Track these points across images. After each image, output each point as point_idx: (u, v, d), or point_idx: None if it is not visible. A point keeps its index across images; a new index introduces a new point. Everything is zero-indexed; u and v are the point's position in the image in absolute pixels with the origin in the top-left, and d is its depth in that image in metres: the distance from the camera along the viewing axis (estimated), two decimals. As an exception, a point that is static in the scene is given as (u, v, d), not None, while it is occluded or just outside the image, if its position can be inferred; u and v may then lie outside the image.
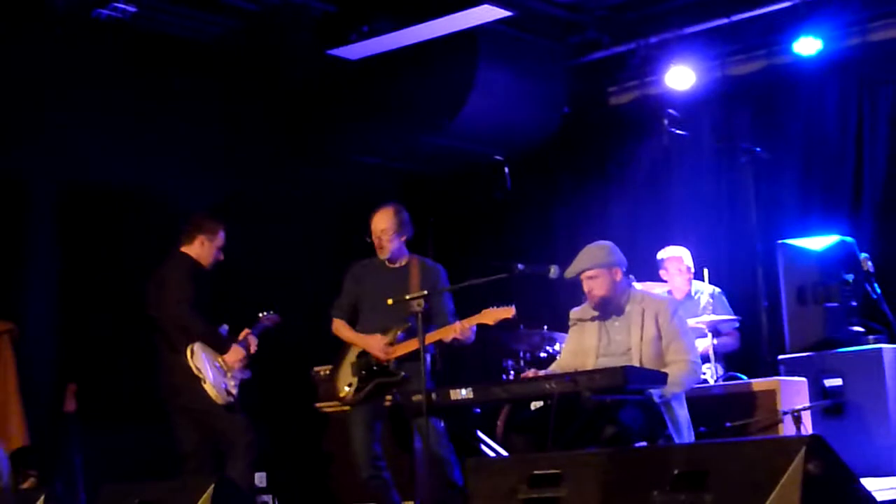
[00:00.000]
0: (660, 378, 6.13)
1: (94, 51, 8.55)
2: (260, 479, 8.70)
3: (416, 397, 6.34)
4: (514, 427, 6.47)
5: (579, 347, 6.68)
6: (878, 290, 7.80)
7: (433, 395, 6.29)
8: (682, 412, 6.35)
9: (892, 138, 8.88)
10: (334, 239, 9.78)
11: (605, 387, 5.90)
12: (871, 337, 7.52)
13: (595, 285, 6.55)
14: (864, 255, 7.82)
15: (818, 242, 7.89)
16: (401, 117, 9.70)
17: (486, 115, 9.49)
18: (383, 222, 7.23)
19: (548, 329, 8.53)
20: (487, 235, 10.47)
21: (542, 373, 6.66)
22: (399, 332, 7.09)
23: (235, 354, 7.47)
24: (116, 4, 8.07)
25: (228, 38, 9.03)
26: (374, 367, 7.10)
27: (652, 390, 6.17)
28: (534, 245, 9.92)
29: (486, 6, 8.41)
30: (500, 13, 8.55)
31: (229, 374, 7.41)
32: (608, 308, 6.60)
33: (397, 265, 7.26)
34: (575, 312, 6.82)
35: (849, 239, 7.91)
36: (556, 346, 8.37)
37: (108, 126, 8.78)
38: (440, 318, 7.10)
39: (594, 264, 6.54)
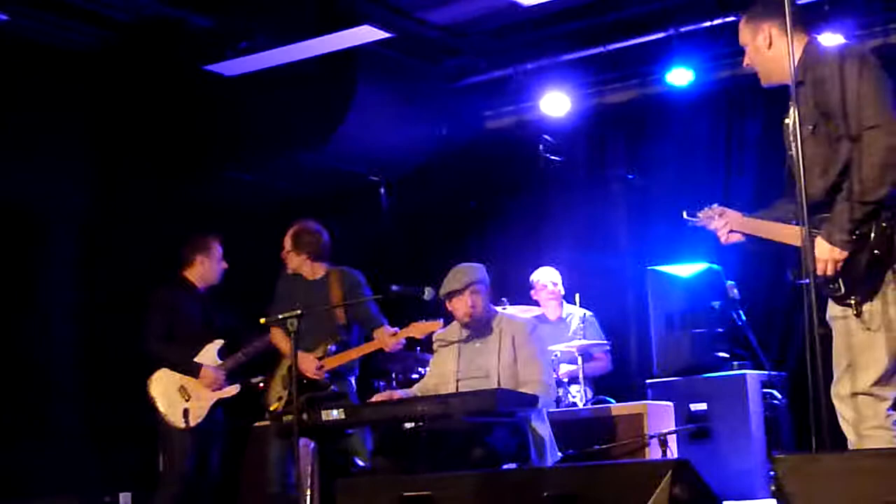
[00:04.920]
0: (529, 401, 6.18)
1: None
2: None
3: (287, 417, 6.30)
4: (384, 449, 6.46)
5: (440, 370, 6.71)
6: (744, 317, 7.97)
7: (304, 416, 6.25)
8: (546, 433, 6.41)
9: (760, 169, 9.09)
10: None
11: (476, 409, 5.93)
12: (735, 363, 7.69)
13: (466, 304, 6.57)
14: (730, 283, 8.00)
15: (686, 269, 8.05)
16: (278, 135, 9.63)
17: (363, 135, 9.48)
18: (286, 242, 7.40)
19: (421, 351, 8.54)
20: (363, 255, 10.45)
21: (398, 394, 6.70)
22: (330, 346, 7.10)
23: (206, 378, 7.64)
24: (-13, 12, 7.91)
25: (102, 49, 8.88)
26: (304, 381, 7.06)
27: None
28: (409, 266, 9.93)
29: (365, 27, 8.41)
30: (379, 34, 8.57)
31: (196, 399, 7.63)
32: (475, 329, 6.63)
33: (315, 277, 7.31)
34: (439, 335, 6.85)
35: (716, 266, 8.08)
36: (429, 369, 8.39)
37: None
38: (371, 323, 7.18)
39: (467, 283, 6.57)
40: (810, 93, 4.68)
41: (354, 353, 7.20)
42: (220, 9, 8.47)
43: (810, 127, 4.67)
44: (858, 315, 4.61)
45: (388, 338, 7.09)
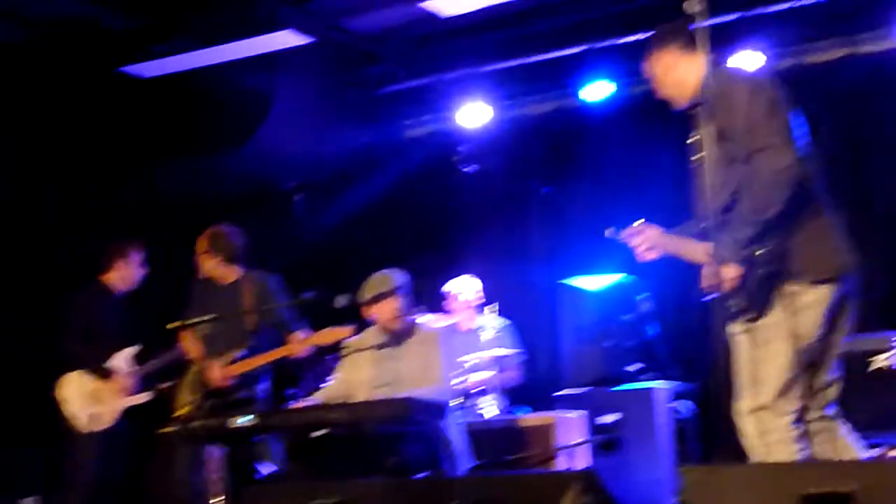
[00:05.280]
0: (441, 409, 6.20)
1: None
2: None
3: (195, 423, 6.26)
4: (294, 456, 6.44)
5: (352, 378, 6.71)
6: (654, 330, 8.06)
7: (211, 422, 6.22)
8: (458, 443, 6.43)
9: (674, 184, 9.19)
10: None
11: (388, 417, 5.94)
12: (645, 375, 7.77)
13: (392, 309, 6.59)
14: (641, 296, 8.08)
15: (599, 282, 8.13)
16: (195, 139, 9.56)
17: (281, 140, 9.44)
18: (200, 244, 7.31)
19: (334, 358, 8.51)
20: (277, 261, 10.39)
21: (308, 402, 6.70)
22: (238, 353, 7.05)
23: (118, 383, 7.65)
24: None
25: (16, 46, 8.75)
26: (213, 387, 7.01)
27: None
28: (325, 272, 9.90)
29: (286, 32, 8.40)
30: (299, 40, 8.55)
31: (107, 403, 7.60)
32: (393, 336, 6.65)
33: (228, 282, 7.25)
34: (351, 342, 6.85)
35: (628, 280, 8.16)
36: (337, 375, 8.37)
37: None
38: (285, 328, 7.15)
39: (394, 288, 6.60)
40: (709, 114, 4.78)
41: (262, 359, 7.15)
42: (139, 10, 8.39)
43: (709, 148, 4.76)
44: (754, 330, 4.72)
45: (296, 344, 7.07)
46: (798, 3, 8.31)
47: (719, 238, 4.67)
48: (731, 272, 4.67)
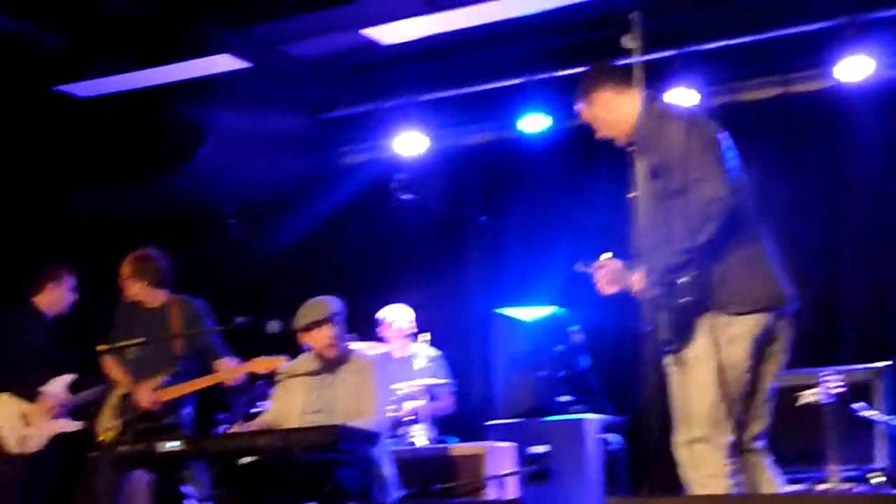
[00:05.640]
0: (371, 437, 6.18)
1: None
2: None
3: (122, 447, 6.19)
4: (222, 482, 6.39)
5: (285, 405, 6.68)
6: (587, 362, 8.09)
7: (139, 446, 6.15)
8: (389, 471, 6.42)
9: (608, 216, 9.25)
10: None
11: (317, 444, 5.91)
12: (576, 407, 7.80)
13: (327, 336, 6.57)
14: (575, 327, 8.12)
15: (533, 313, 8.16)
16: (131, 160, 9.49)
17: (218, 164, 9.41)
18: (124, 269, 7.19)
19: (265, 384, 8.46)
20: (211, 285, 10.33)
21: (248, 427, 6.64)
22: (165, 377, 6.98)
23: (48, 407, 7.57)
24: None
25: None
26: (139, 412, 6.92)
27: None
28: (259, 297, 9.85)
29: (225, 56, 8.37)
30: (239, 64, 8.52)
31: (36, 427, 7.53)
32: (328, 363, 6.62)
33: (155, 306, 7.19)
34: (285, 368, 6.81)
35: (562, 310, 8.20)
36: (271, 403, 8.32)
37: None
38: (212, 355, 7.08)
39: (330, 315, 6.58)
40: (644, 150, 4.85)
41: (192, 386, 7.10)
42: (76, 29, 8.33)
43: (645, 184, 4.82)
44: (684, 363, 4.76)
45: (228, 371, 7.02)
46: (733, 42, 8.43)
47: (650, 267, 4.72)
48: (651, 294, 4.74)
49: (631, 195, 4.84)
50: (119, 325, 7.26)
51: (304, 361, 6.78)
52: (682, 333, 4.73)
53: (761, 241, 4.89)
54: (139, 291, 7.28)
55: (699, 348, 4.73)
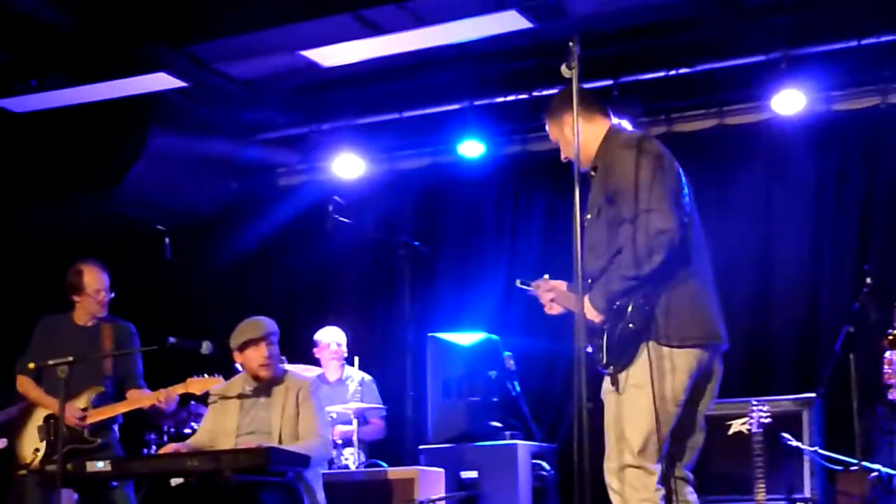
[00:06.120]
0: (302, 460, 6.14)
1: None
2: None
3: (50, 467, 6.10)
4: (153, 503, 6.33)
5: (218, 426, 6.62)
6: (518, 388, 8.12)
7: (67, 466, 6.07)
8: (319, 495, 6.39)
9: (545, 243, 9.31)
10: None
11: (247, 467, 5.87)
12: (507, 433, 7.81)
13: (263, 355, 6.53)
14: (507, 354, 8.14)
15: (467, 338, 8.17)
16: (64, 177, 9.39)
17: (152, 183, 9.34)
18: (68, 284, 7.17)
19: (195, 404, 8.40)
20: (143, 305, 10.24)
21: (180, 448, 6.57)
22: (93, 396, 6.89)
23: None
24: None
25: None
26: (65, 431, 6.79)
27: None
28: (194, 317, 9.77)
29: (161, 74, 8.32)
30: (175, 83, 8.47)
31: None
32: (263, 384, 6.58)
33: (88, 325, 7.09)
34: (217, 389, 6.76)
35: (495, 337, 8.23)
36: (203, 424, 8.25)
37: None
38: (130, 380, 7.01)
39: (265, 334, 6.54)
40: (602, 177, 4.90)
41: (120, 408, 7.01)
42: (12, 43, 8.24)
43: (596, 210, 4.86)
44: (622, 390, 4.79)
45: (142, 399, 6.97)
46: (670, 73, 8.52)
47: (595, 290, 4.76)
48: (593, 317, 4.77)
49: (585, 218, 4.88)
50: (38, 345, 7.12)
51: (238, 382, 6.73)
52: (622, 359, 4.77)
53: (705, 277, 4.94)
54: (76, 309, 7.19)
55: (638, 376, 4.76)
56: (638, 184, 4.77)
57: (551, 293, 5.11)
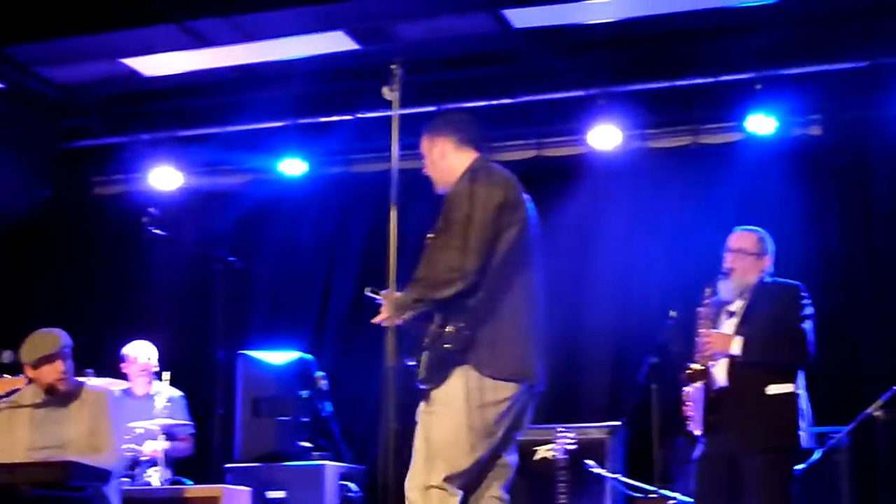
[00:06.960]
0: (102, 474, 6.01)
1: None
2: None
3: None
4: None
5: (7, 438, 6.37)
6: (329, 409, 8.11)
7: None
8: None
9: (363, 265, 9.33)
10: None
11: (44, 481, 5.72)
12: (316, 453, 7.79)
13: (59, 370, 6.33)
14: (320, 374, 8.13)
15: (279, 357, 8.13)
16: None
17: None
18: None
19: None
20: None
21: None
22: None
23: None
24: None
25: None
26: None
27: None
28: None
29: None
30: (-10, 84, 8.27)
31: None
32: (57, 397, 6.39)
33: None
34: (8, 399, 6.52)
35: (308, 356, 8.20)
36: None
37: None
38: None
39: (60, 348, 6.35)
40: (444, 203, 4.96)
41: None
42: None
43: (435, 232, 4.90)
44: (435, 413, 4.83)
45: None
46: (492, 102, 8.65)
47: (404, 292, 4.83)
48: (391, 318, 4.82)
49: (428, 236, 4.92)
50: None
51: (29, 393, 6.49)
52: (436, 378, 4.80)
53: (536, 315, 5.00)
54: None
55: (454, 400, 4.79)
56: (457, 218, 4.83)
57: (390, 303, 5.12)
